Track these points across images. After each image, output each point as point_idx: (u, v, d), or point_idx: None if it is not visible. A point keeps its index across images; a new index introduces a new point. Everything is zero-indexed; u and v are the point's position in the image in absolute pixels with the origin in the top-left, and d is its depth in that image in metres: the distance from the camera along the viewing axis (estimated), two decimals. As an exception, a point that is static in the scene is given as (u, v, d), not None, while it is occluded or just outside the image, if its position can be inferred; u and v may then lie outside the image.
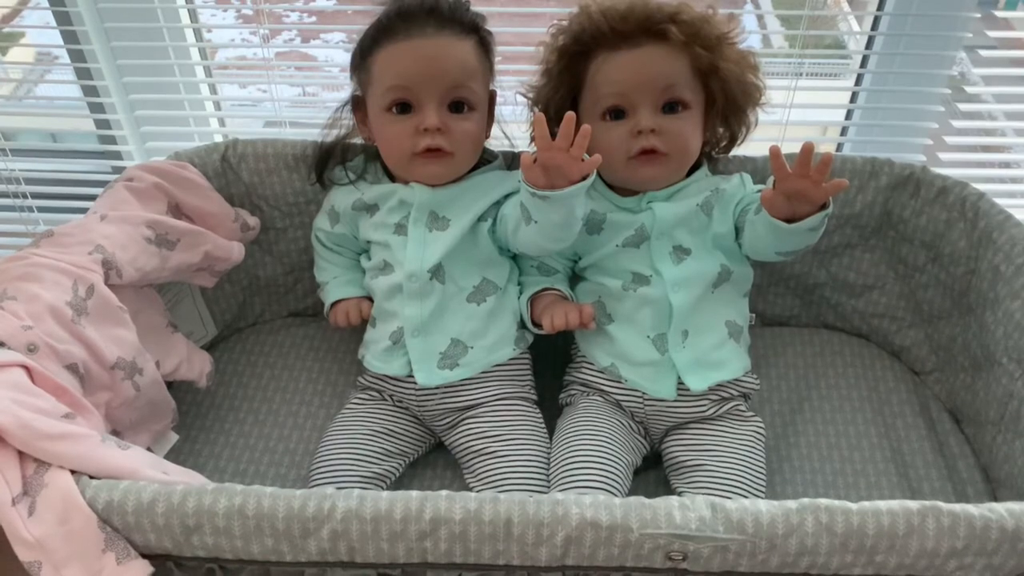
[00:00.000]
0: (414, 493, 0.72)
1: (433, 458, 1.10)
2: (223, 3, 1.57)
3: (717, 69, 0.99)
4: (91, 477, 0.74)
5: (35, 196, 1.53)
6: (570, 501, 0.71)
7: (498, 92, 1.08)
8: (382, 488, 1.02)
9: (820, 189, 0.86)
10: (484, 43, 1.03)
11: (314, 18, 1.62)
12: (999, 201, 1.06)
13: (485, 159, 1.09)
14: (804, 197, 0.88)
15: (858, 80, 1.40)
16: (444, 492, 0.72)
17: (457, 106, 1.00)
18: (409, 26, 0.98)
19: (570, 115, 0.86)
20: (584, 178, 0.89)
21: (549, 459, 1.00)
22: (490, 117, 1.07)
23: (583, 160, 0.88)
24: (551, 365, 1.12)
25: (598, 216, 1.04)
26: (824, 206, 0.89)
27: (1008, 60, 1.38)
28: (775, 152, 0.87)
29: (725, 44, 1.00)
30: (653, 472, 1.06)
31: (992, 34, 1.30)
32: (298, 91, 1.59)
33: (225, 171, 1.14)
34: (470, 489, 1.01)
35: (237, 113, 1.56)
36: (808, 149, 0.84)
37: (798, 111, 1.35)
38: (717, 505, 0.72)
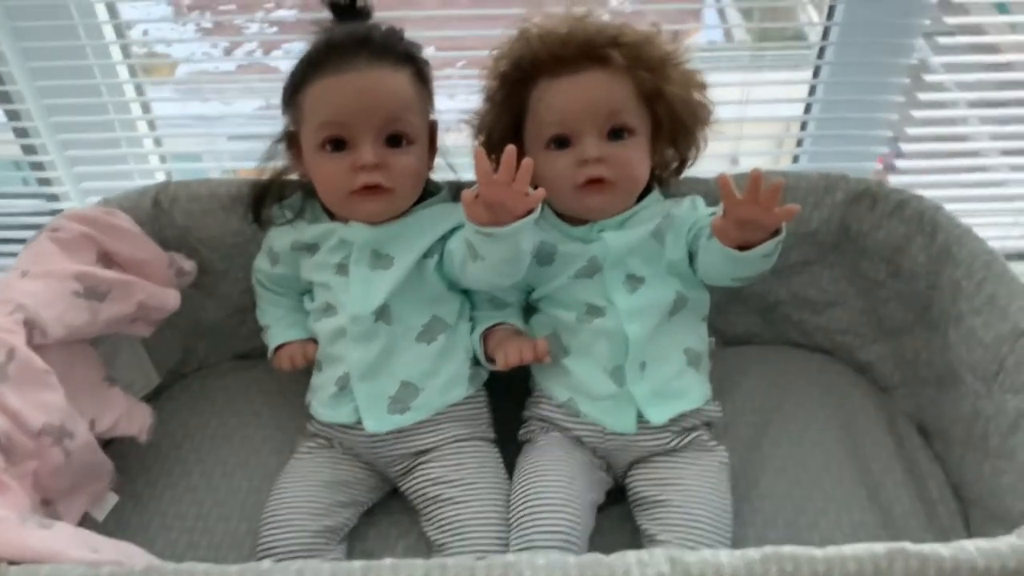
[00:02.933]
0: (357, 564, 0.68)
1: (389, 504, 1.05)
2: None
3: (662, 92, 0.96)
4: (10, 563, 0.69)
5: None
6: (523, 563, 0.67)
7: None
8: (335, 541, 0.98)
9: (771, 215, 0.83)
10: (421, 73, 0.99)
11: (275, 28, 1.57)
12: (960, 206, 1.04)
13: (429, 191, 1.05)
14: (755, 224, 0.85)
15: (816, 72, 1.37)
16: (388, 561, 0.68)
17: (394, 140, 0.96)
18: (340, 59, 0.94)
19: (511, 148, 0.82)
20: (529, 212, 0.86)
21: (509, 501, 0.96)
22: (432, 148, 1.03)
23: (527, 194, 0.84)
24: (511, 398, 1.08)
25: (549, 247, 1.01)
26: (777, 232, 0.87)
27: (968, 47, 1.36)
28: (724, 181, 0.84)
29: (670, 65, 0.97)
30: (617, 507, 1.03)
31: (950, 20, 1.27)
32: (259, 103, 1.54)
33: (158, 215, 1.09)
34: (428, 537, 0.97)
35: (177, 151, 1.51)
36: (756, 177, 0.81)
37: (757, 104, 1.33)
38: (676, 559, 0.68)
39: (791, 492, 1.06)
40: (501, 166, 0.82)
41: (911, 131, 1.38)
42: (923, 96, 1.34)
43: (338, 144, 0.95)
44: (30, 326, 0.89)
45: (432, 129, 1.03)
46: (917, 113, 1.36)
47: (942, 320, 1.03)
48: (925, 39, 1.30)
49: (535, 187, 0.85)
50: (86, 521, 0.97)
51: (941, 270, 1.03)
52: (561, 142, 0.96)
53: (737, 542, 0.96)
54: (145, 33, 1.56)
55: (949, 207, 1.05)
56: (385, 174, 0.95)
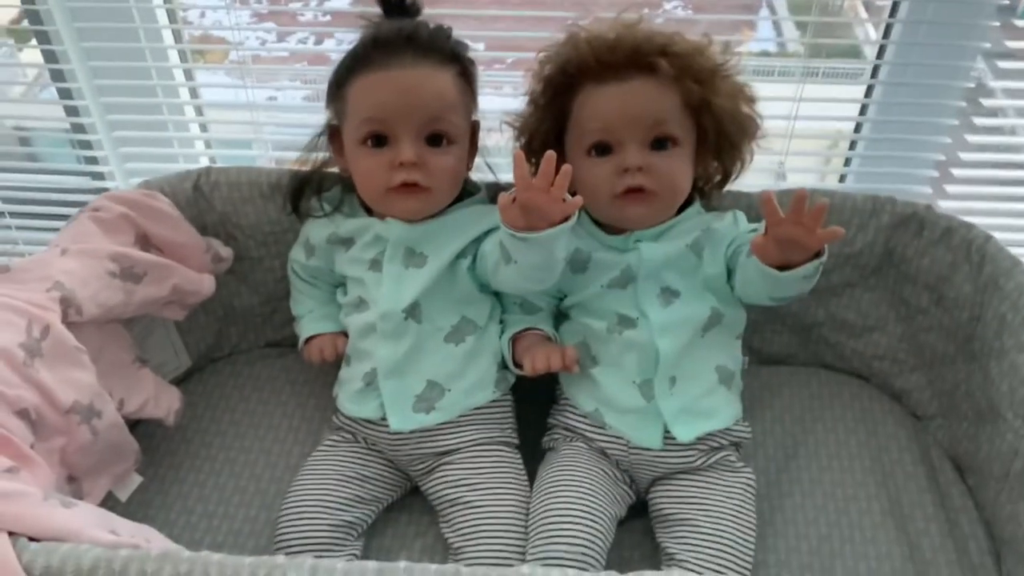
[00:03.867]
0: (370, 564, 0.67)
1: (409, 502, 1.05)
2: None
3: (709, 104, 0.94)
4: (31, 539, 0.70)
5: (14, 215, 1.49)
6: (536, 577, 0.67)
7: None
8: (353, 536, 0.98)
9: (814, 237, 0.82)
10: (465, 73, 0.98)
11: (328, 16, 1.58)
12: (1010, 235, 1.01)
13: (467, 191, 1.04)
14: (797, 244, 0.83)
15: (869, 91, 1.34)
16: (402, 564, 0.67)
17: (435, 139, 0.96)
18: (386, 56, 0.93)
19: (550, 154, 0.82)
20: (566, 219, 0.85)
21: (528, 509, 0.95)
22: (473, 149, 1.03)
23: (564, 201, 0.83)
24: (537, 405, 1.07)
25: (583, 254, 0.99)
26: (818, 254, 0.85)
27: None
28: (767, 198, 0.82)
29: (719, 77, 0.95)
30: (639, 522, 1.01)
31: (1012, 44, 1.24)
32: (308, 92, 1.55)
33: (198, 200, 1.10)
34: (445, 539, 0.97)
35: (220, 136, 1.52)
36: (801, 196, 0.79)
37: (806, 114, 1.31)
38: (694, 584, 0.67)
39: (817, 518, 1.04)
40: (539, 171, 0.82)
41: (964, 156, 1.34)
42: (979, 121, 1.31)
43: (379, 140, 0.95)
44: (66, 304, 0.90)
45: (474, 129, 1.02)
46: (972, 138, 1.32)
47: (984, 353, 1.00)
48: (985, 61, 1.27)
49: (573, 194, 0.84)
50: (109, 500, 0.98)
51: (987, 302, 1.00)
52: (603, 149, 0.95)
53: (759, 567, 0.95)
54: (203, 15, 1.57)
55: (999, 236, 1.03)
56: (423, 173, 0.95)
